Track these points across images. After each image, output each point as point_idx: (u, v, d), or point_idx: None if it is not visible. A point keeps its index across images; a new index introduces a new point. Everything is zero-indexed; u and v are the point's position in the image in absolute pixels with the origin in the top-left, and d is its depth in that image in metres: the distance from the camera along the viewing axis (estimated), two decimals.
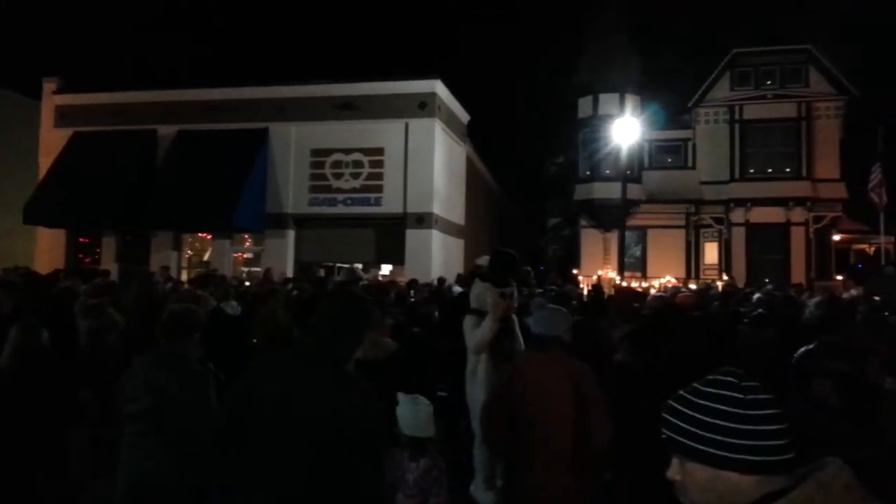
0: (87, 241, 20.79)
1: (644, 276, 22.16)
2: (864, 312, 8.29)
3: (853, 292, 15.01)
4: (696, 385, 1.38)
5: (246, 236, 20.13)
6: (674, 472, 1.37)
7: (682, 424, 1.34)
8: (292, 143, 19.30)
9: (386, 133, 18.82)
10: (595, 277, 18.89)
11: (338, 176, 18.99)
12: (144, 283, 10.25)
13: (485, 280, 5.61)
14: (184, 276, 18.51)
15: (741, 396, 1.31)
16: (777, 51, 22.68)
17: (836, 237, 23.03)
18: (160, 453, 3.42)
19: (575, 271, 21.68)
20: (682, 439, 1.34)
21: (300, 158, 19.25)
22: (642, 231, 23.89)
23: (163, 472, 3.40)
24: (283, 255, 18.96)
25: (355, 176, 18.90)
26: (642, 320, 6.19)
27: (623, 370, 4.40)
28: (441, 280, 13.02)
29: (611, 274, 20.12)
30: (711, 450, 1.30)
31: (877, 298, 11.23)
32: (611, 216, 21.97)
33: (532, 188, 36.61)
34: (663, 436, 1.39)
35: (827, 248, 22.65)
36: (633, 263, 23.21)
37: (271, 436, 2.34)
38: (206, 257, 20.49)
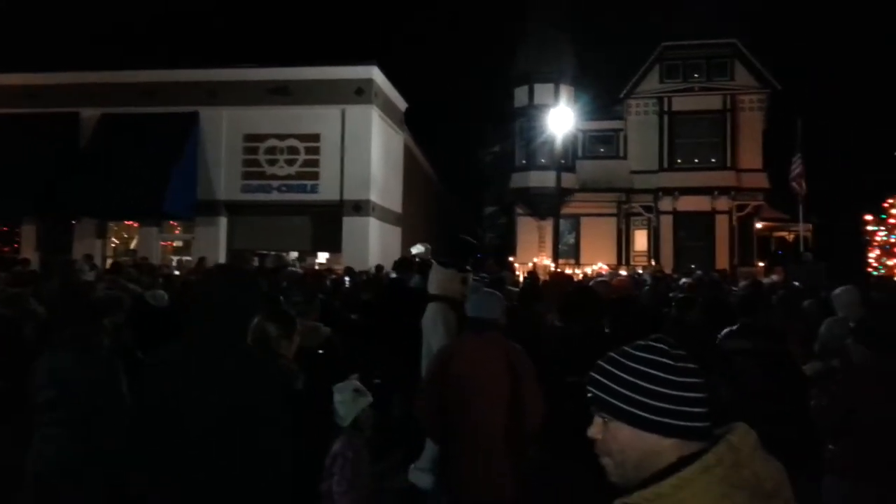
0: (5, 229, 19.73)
1: (578, 263, 22.66)
2: (780, 296, 8.72)
3: (774, 278, 15.77)
4: (627, 349, 1.41)
5: (175, 224, 19.50)
6: (596, 430, 1.40)
7: (611, 385, 1.37)
8: (224, 127, 18.77)
9: (322, 119, 18.53)
10: (530, 264, 19.19)
11: (272, 162, 18.60)
12: (66, 272, 9.80)
13: (447, 266, 5.50)
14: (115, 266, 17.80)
15: (672, 363, 1.35)
16: (704, 45, 23.45)
17: (758, 225, 24.10)
18: (68, 444, 3.31)
19: (511, 259, 21.96)
20: (610, 399, 1.37)
21: (232, 144, 18.75)
22: (576, 219, 24.39)
23: (70, 463, 3.29)
24: (215, 244, 18.46)
25: (290, 162, 18.56)
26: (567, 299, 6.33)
27: (555, 349, 4.49)
28: (379, 267, 12.96)
29: (546, 261, 20.49)
30: (638, 411, 1.33)
31: (796, 283, 11.82)
32: (546, 204, 22.33)
33: (469, 177, 36.80)
34: (590, 394, 1.41)
35: (749, 236, 23.68)
36: (567, 251, 23.70)
37: (179, 422, 2.37)
38: (132, 245, 19.76)
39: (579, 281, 11.59)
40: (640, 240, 24.43)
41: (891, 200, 16.21)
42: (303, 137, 18.54)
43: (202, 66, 18.96)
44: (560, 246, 19.90)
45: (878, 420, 3.57)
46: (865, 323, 4.10)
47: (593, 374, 1.41)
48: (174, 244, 20.24)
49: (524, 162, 24.15)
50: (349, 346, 5.93)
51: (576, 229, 24.65)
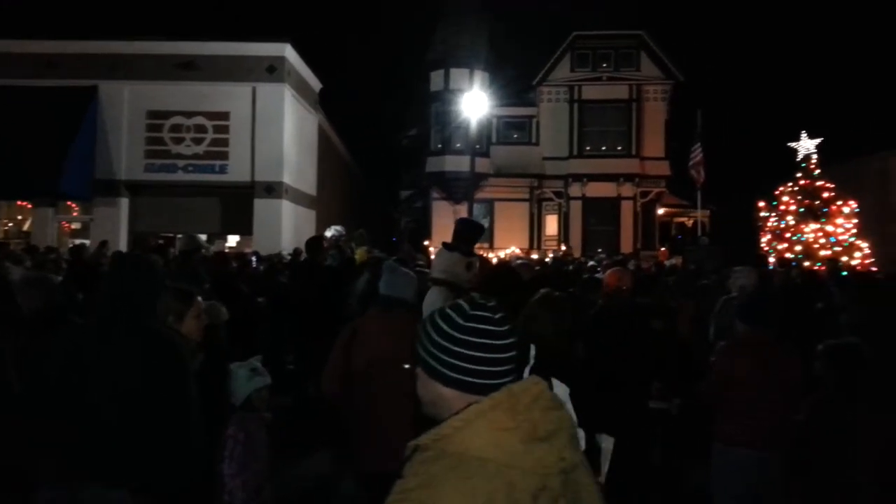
0: None
1: (491, 247, 23.08)
2: (676, 277, 9.27)
3: (673, 260, 16.65)
4: (443, 307, 1.56)
5: (72, 204, 18.47)
6: (419, 386, 1.55)
7: (420, 335, 1.54)
8: (125, 103, 17.86)
9: (231, 97, 17.97)
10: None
11: (178, 140, 17.89)
12: None
13: (452, 250, 5.21)
14: None
15: (461, 322, 1.48)
16: (612, 35, 24.22)
17: (660, 211, 25.29)
18: None
19: (426, 242, 22.11)
20: (416, 346, 1.55)
21: (134, 120, 17.89)
22: (490, 203, 24.80)
23: None
24: (116, 225, 17.63)
25: (198, 141, 17.91)
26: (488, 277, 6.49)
27: None
28: (297, 251, 12.75)
29: None
30: (424, 356, 1.51)
31: (692, 266, 12.53)
32: (460, 189, 22.58)
33: (385, 160, 36.62)
34: (415, 354, 1.57)
35: (652, 221, 24.82)
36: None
37: (80, 400, 2.46)
38: (25, 227, 18.58)
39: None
40: (552, 224, 25.12)
41: (782, 188, 17.34)
42: (211, 115, 17.91)
43: (103, 38, 17.90)
44: None
45: (747, 387, 3.92)
46: (744, 301, 4.46)
47: (420, 327, 1.57)
48: (72, 226, 19.17)
49: (440, 146, 24.28)
50: (255, 330, 5.85)
51: (490, 213, 25.06)
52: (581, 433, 2.97)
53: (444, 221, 24.42)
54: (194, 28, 18.05)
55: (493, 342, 1.47)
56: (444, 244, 5.36)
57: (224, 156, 17.93)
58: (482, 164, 22.25)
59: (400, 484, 1.42)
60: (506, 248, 22.32)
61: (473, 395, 1.45)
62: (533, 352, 3.07)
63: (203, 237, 18.05)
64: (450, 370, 1.47)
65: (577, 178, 24.38)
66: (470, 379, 1.46)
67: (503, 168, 24.39)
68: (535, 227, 25.13)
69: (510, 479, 1.36)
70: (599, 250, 20.04)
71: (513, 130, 25.57)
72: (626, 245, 23.39)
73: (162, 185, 17.87)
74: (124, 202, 18.04)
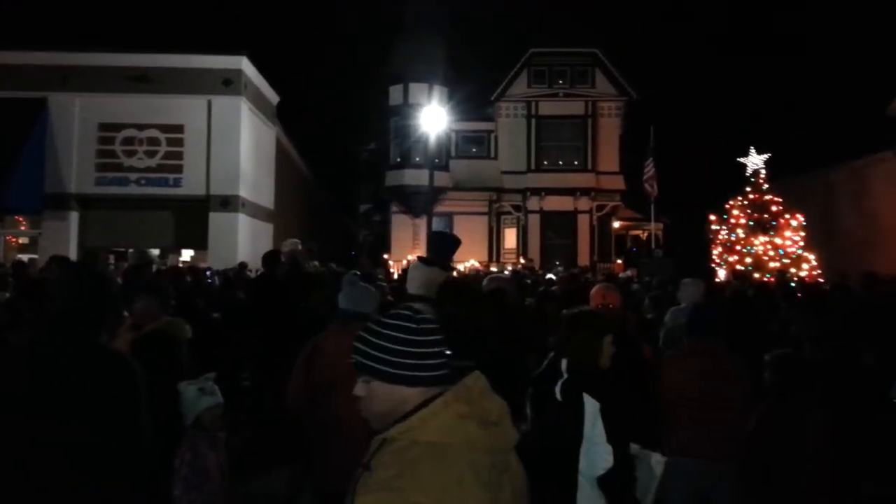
0: None
1: (451, 260, 23.13)
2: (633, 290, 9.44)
3: (628, 272, 16.97)
4: (380, 318, 1.70)
5: (20, 218, 17.88)
6: (359, 389, 1.68)
7: (370, 350, 1.65)
8: (76, 115, 17.42)
9: (186, 109, 17.69)
10: (405, 262, 19.37)
11: (130, 153, 17.51)
12: None
13: (429, 264, 5.06)
14: None
15: (414, 326, 1.65)
16: (568, 52, 24.70)
17: (616, 224, 25.75)
18: None
19: (386, 256, 22.06)
20: (368, 362, 1.65)
21: (86, 133, 17.44)
22: (449, 217, 24.87)
23: None
24: (65, 240, 17.09)
25: (151, 154, 17.57)
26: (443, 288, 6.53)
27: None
28: (242, 265, 12.56)
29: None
30: (388, 369, 1.63)
31: (647, 279, 12.78)
32: (420, 202, 22.64)
33: (344, 174, 36.49)
34: (354, 361, 1.68)
35: (607, 234, 25.26)
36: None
37: (20, 417, 2.35)
38: None
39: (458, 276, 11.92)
40: (510, 238, 25.34)
41: (732, 202, 17.84)
42: (165, 128, 17.60)
43: (53, 49, 17.46)
44: None
45: (693, 398, 3.97)
46: (692, 312, 4.55)
47: (355, 343, 1.69)
48: (19, 241, 18.56)
49: (399, 160, 24.33)
50: (210, 346, 5.74)
51: (449, 227, 25.08)
52: (609, 449, 3.00)
53: (403, 235, 24.45)
54: (148, 40, 17.79)
55: (440, 338, 1.68)
56: (420, 259, 5.27)
57: (178, 169, 17.62)
58: (441, 178, 22.35)
59: (375, 475, 1.56)
60: (465, 261, 22.41)
61: (432, 389, 1.62)
62: (564, 366, 3.14)
63: (156, 252, 17.68)
64: (415, 371, 1.63)
65: (535, 191, 24.68)
66: (431, 374, 1.64)
67: (462, 182, 24.55)
68: (494, 240, 25.32)
69: (472, 459, 1.55)
70: (557, 263, 20.30)
71: (471, 145, 25.78)
72: (583, 258, 23.74)
73: (113, 198, 17.45)
74: (74, 216, 17.55)
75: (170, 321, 4.02)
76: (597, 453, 2.98)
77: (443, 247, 5.32)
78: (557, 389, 3.11)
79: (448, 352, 1.70)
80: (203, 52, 17.90)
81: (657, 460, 3.47)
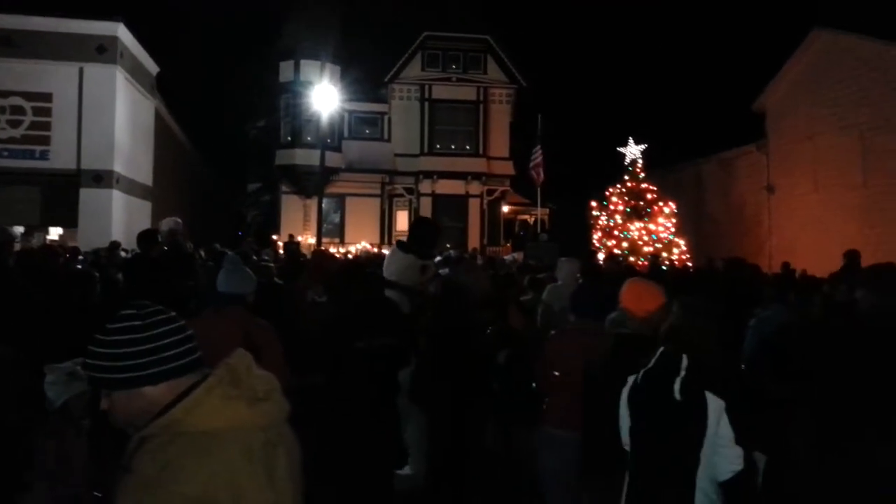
0: None
1: (342, 242, 22.96)
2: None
3: (514, 255, 17.52)
4: (106, 325, 1.57)
5: None
6: (104, 403, 1.57)
7: (100, 362, 1.54)
8: None
9: (55, 77, 16.45)
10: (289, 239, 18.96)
11: None
12: None
13: (407, 251, 4.95)
14: None
15: (140, 322, 1.55)
16: (461, 38, 24.94)
17: (505, 208, 26.43)
18: None
19: (275, 237, 21.52)
20: (103, 375, 1.54)
21: None
22: (341, 198, 24.65)
23: None
24: None
25: (14, 124, 16.22)
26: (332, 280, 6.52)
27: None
28: (114, 244, 11.89)
29: (310, 240, 20.43)
30: (124, 375, 1.52)
31: (531, 262, 13.25)
32: (311, 183, 22.23)
33: (232, 151, 35.08)
34: (93, 375, 1.57)
35: (497, 218, 25.91)
36: (332, 230, 23.91)
37: None
38: None
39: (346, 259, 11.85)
40: (402, 220, 25.40)
41: (611, 189, 18.75)
42: (30, 96, 16.30)
43: None
44: (325, 225, 19.97)
45: (572, 374, 4.19)
46: (574, 292, 4.78)
47: (87, 359, 1.57)
48: None
49: (290, 139, 23.75)
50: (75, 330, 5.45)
51: (341, 208, 24.90)
52: (739, 451, 2.77)
53: (293, 216, 23.95)
54: (14, 0, 16.27)
55: (176, 325, 1.59)
56: (399, 243, 5.20)
57: (45, 140, 16.38)
58: (333, 159, 22.04)
59: (135, 477, 1.46)
60: (356, 242, 22.30)
61: (186, 378, 1.54)
62: (685, 363, 2.87)
63: (20, 229, 16.37)
64: (153, 367, 1.52)
65: (428, 174, 24.87)
66: (174, 364, 1.55)
67: (355, 163, 24.33)
68: (386, 222, 25.31)
69: (244, 439, 1.49)
70: (448, 245, 20.59)
71: (365, 126, 25.56)
72: (474, 241, 24.21)
73: None
74: None
75: None
76: (724, 456, 2.79)
77: (419, 235, 5.25)
78: (676, 388, 2.84)
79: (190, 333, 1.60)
80: (75, 17, 16.65)
81: (759, 458, 3.34)
